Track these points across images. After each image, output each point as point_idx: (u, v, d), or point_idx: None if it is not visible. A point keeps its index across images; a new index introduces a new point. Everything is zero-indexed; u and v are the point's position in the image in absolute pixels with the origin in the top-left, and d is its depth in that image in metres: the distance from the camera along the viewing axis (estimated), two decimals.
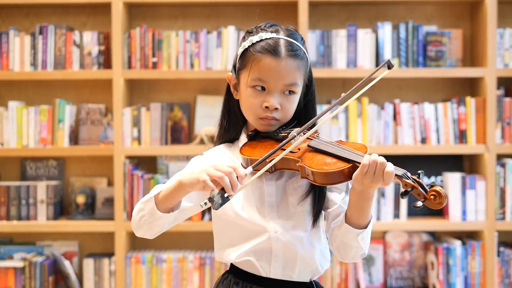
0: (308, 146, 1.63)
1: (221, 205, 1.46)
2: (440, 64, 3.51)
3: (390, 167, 1.52)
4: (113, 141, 3.47)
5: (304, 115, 1.77)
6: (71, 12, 3.67)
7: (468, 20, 3.66)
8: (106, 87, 3.58)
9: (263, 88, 1.68)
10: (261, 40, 1.69)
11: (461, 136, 3.44)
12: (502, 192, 3.44)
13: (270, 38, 1.69)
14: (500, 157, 3.49)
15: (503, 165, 3.44)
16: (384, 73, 1.72)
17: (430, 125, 3.43)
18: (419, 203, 1.51)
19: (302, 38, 1.73)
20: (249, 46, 1.71)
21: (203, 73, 3.43)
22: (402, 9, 3.66)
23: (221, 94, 3.59)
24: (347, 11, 3.66)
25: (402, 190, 1.53)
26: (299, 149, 1.63)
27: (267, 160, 1.58)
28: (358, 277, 3.46)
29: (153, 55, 3.46)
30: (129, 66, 3.47)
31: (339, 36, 3.46)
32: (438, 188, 1.50)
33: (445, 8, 3.67)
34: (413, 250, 3.57)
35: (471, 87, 3.62)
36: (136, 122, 3.47)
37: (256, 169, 1.57)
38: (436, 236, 3.62)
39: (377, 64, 3.48)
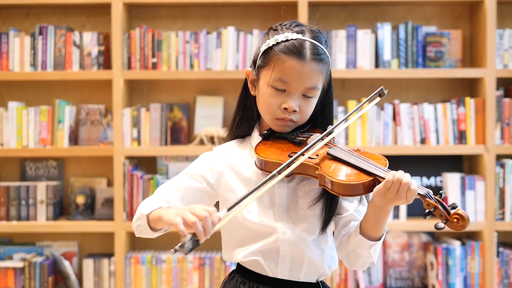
0: (328, 154, 1.62)
1: (191, 250, 1.43)
2: (439, 65, 3.51)
3: (414, 185, 1.52)
4: (112, 141, 3.47)
5: (321, 118, 1.76)
6: (71, 13, 3.67)
7: (468, 20, 3.67)
8: (106, 87, 3.58)
9: (283, 89, 1.67)
10: (287, 40, 1.66)
11: (461, 137, 3.44)
12: (502, 192, 3.44)
13: (296, 39, 1.66)
14: (499, 158, 3.49)
15: (502, 166, 3.44)
16: (375, 100, 1.72)
17: (430, 126, 3.44)
18: (441, 225, 1.50)
19: (326, 41, 1.72)
20: (273, 45, 1.68)
21: (202, 73, 3.43)
22: (402, 10, 3.67)
23: (220, 95, 3.60)
24: (346, 11, 3.67)
25: (425, 210, 1.52)
26: (317, 155, 1.61)
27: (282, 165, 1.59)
28: (358, 277, 3.47)
29: (153, 56, 3.46)
30: (129, 66, 3.48)
31: (339, 37, 3.46)
32: (460, 211, 1.50)
33: (444, 8, 3.67)
34: (412, 250, 3.57)
35: (471, 87, 3.62)
36: (136, 123, 3.47)
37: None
38: (435, 237, 3.62)
39: (376, 65, 3.49)
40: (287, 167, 1.56)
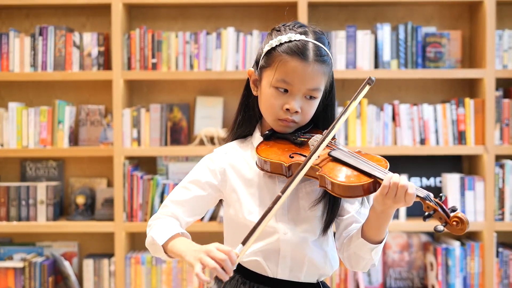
0: (329, 155, 1.62)
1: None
2: (439, 65, 3.52)
3: (411, 189, 1.51)
4: (112, 142, 3.47)
5: (323, 119, 1.75)
6: (71, 13, 3.68)
7: (467, 21, 3.67)
8: (105, 88, 3.59)
9: (285, 90, 1.67)
10: (290, 41, 1.66)
11: (460, 137, 3.44)
12: (501, 193, 3.45)
13: (299, 40, 1.66)
14: (498, 158, 3.49)
15: (501, 166, 3.45)
16: (365, 89, 1.66)
17: (429, 126, 3.44)
18: (441, 227, 1.50)
19: (328, 42, 1.72)
20: (276, 45, 1.68)
21: (202, 74, 3.44)
22: (401, 10, 3.67)
23: (220, 95, 3.60)
24: (346, 12, 3.67)
25: (425, 213, 1.51)
26: (318, 156, 1.61)
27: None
28: (357, 277, 3.47)
29: (153, 56, 3.47)
30: (129, 67, 3.48)
31: (339, 37, 3.47)
32: (460, 214, 1.49)
33: (444, 9, 3.68)
34: (412, 250, 3.58)
35: (470, 88, 3.63)
36: (136, 123, 3.47)
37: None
38: (435, 237, 3.63)
39: (376, 65, 3.49)
40: (290, 183, 1.56)
